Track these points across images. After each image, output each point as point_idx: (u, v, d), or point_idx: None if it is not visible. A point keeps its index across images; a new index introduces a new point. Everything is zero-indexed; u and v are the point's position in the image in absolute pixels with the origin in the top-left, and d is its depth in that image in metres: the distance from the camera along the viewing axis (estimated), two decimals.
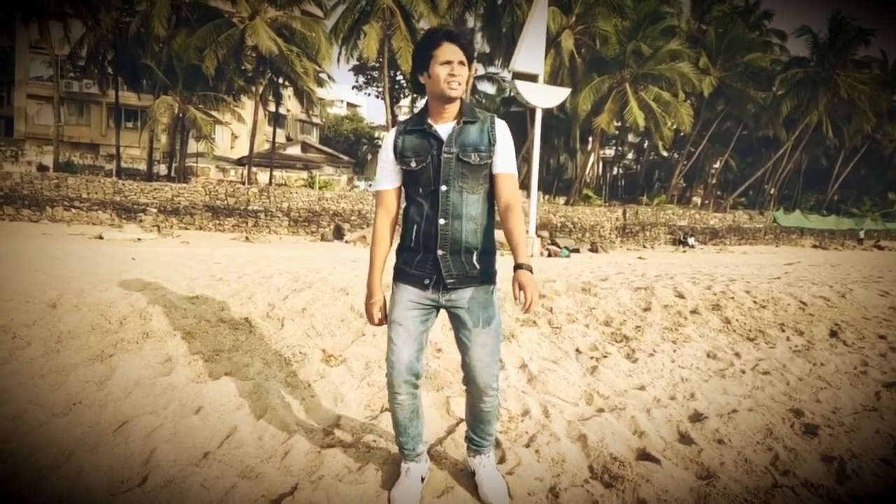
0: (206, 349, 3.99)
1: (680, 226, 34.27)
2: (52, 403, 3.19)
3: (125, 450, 2.78)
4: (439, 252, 2.41)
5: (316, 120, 49.78)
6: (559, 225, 31.15)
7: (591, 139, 38.62)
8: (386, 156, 2.50)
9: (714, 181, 44.95)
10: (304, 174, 37.21)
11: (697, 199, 44.21)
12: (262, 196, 27.77)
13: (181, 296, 4.85)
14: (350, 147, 50.29)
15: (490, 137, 2.42)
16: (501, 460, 2.93)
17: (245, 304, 4.85)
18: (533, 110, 20.83)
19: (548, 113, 25.12)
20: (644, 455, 3.00)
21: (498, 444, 3.05)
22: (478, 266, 2.45)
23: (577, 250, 23.99)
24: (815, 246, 35.97)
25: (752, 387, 3.97)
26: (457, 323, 2.51)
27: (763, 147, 43.50)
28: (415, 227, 2.46)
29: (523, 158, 35.01)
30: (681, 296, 5.85)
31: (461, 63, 2.34)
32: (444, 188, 2.40)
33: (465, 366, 2.52)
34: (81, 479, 2.48)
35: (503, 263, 2.58)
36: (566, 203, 35.10)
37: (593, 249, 25.55)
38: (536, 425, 3.29)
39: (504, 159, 2.46)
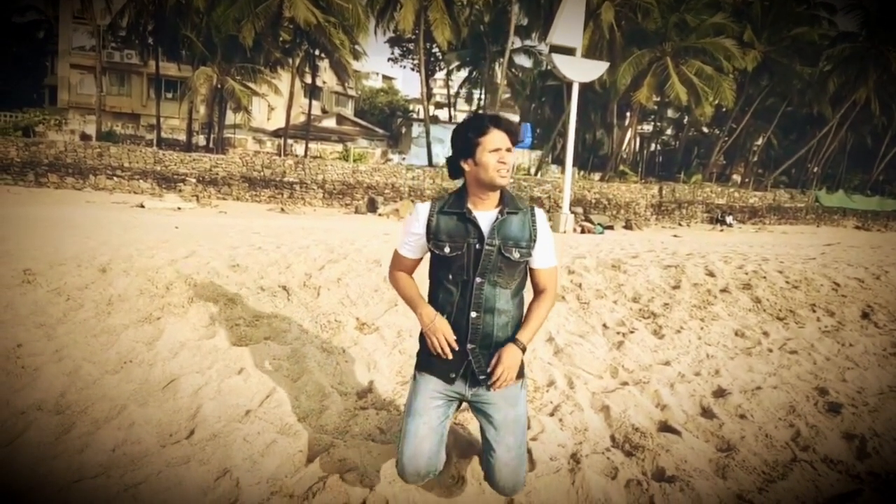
0: (247, 314, 4.17)
1: (718, 204, 33.60)
2: (105, 361, 3.41)
3: (173, 405, 2.97)
4: (469, 346, 2.29)
5: (351, 92, 49.83)
6: (593, 201, 30.85)
7: (628, 114, 37.91)
8: (415, 228, 2.36)
9: (755, 159, 43.79)
10: (339, 147, 37.35)
11: (737, 177, 43.12)
12: (298, 168, 28.07)
13: (223, 264, 5.05)
14: (385, 120, 50.25)
15: (531, 232, 2.32)
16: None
17: (283, 273, 5.03)
18: (570, 84, 20.60)
19: (585, 87, 24.78)
20: (665, 427, 3.08)
21: None
22: None
23: (611, 227, 23.85)
24: (857, 227, 35.03)
25: (778, 365, 4.00)
26: (482, 419, 2.36)
27: (807, 124, 42.07)
28: (444, 317, 2.33)
29: (559, 133, 34.68)
30: (711, 274, 5.85)
31: (508, 150, 2.24)
32: (478, 280, 2.28)
33: (488, 466, 2.31)
34: (133, 431, 2.68)
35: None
36: (601, 179, 34.60)
37: (628, 227, 25.35)
38: (561, 395, 3.40)
39: (544, 254, 2.37)
